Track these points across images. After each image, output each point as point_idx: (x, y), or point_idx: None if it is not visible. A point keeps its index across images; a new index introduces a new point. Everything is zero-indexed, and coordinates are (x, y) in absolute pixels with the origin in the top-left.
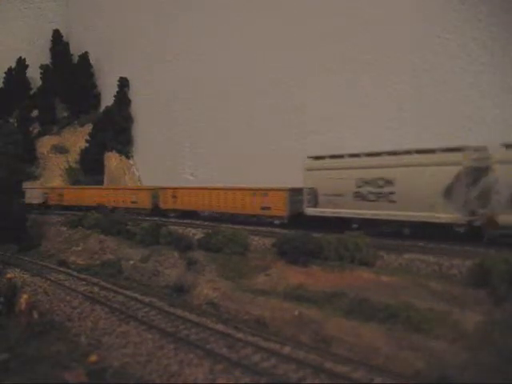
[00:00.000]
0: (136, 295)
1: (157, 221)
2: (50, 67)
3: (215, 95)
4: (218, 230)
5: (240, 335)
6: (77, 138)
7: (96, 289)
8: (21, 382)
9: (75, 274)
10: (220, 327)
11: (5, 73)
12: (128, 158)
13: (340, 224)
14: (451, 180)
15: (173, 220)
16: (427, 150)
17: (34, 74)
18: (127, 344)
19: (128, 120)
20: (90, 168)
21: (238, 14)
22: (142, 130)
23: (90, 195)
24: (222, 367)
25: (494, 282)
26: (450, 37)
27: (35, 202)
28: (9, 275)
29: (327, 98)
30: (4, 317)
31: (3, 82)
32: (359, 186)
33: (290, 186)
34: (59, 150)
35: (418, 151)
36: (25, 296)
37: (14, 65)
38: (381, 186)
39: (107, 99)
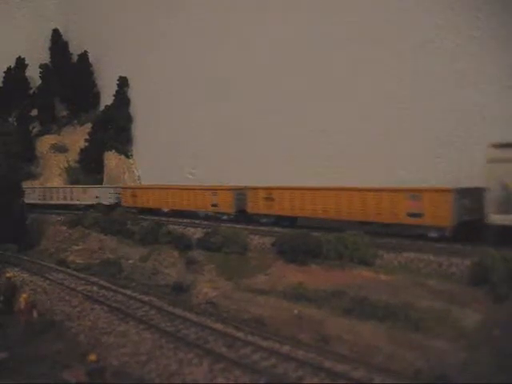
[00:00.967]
0: (135, 294)
1: (156, 220)
2: (50, 66)
3: (215, 94)
4: (218, 230)
5: (239, 334)
6: (76, 137)
7: (95, 288)
8: (20, 382)
9: (75, 273)
10: (219, 326)
11: (4, 72)
12: (128, 157)
13: None
14: None
15: (172, 219)
16: None
17: (33, 74)
18: (126, 343)
19: (127, 119)
20: (90, 167)
21: (237, 11)
22: (142, 129)
23: (162, 196)
24: (221, 366)
25: (493, 281)
26: (450, 36)
27: (105, 202)
28: (8, 274)
29: None
30: (3, 316)
31: (2, 82)
32: None
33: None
34: (59, 150)
35: None
36: (24, 295)
37: (13, 64)
38: None
39: (107, 98)
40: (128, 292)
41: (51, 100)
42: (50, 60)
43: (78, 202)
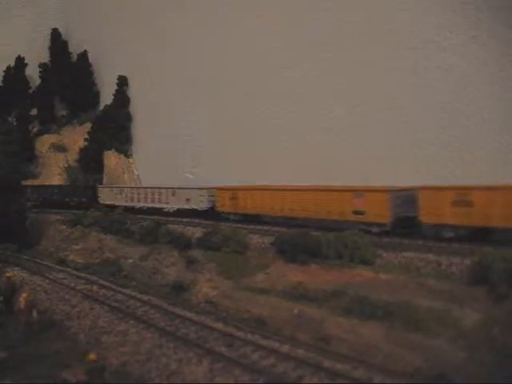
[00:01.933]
0: (135, 294)
1: (156, 219)
2: (49, 66)
3: (215, 93)
4: (217, 229)
5: (239, 334)
6: (76, 137)
7: (95, 287)
8: (20, 381)
9: (74, 272)
10: (219, 326)
11: (4, 71)
12: (127, 156)
13: None
14: None
15: (171, 218)
16: None
17: (32, 73)
18: (126, 342)
19: (127, 119)
20: (89, 167)
21: (238, 10)
22: (141, 129)
23: (276, 199)
24: (221, 366)
25: (492, 280)
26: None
27: (196, 207)
28: (8, 274)
29: None
30: (3, 315)
31: (2, 81)
32: None
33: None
34: (58, 149)
35: None
36: (24, 295)
37: (12, 63)
38: None
39: (106, 98)
40: (128, 291)
41: (51, 99)
42: (49, 59)
43: (166, 206)
